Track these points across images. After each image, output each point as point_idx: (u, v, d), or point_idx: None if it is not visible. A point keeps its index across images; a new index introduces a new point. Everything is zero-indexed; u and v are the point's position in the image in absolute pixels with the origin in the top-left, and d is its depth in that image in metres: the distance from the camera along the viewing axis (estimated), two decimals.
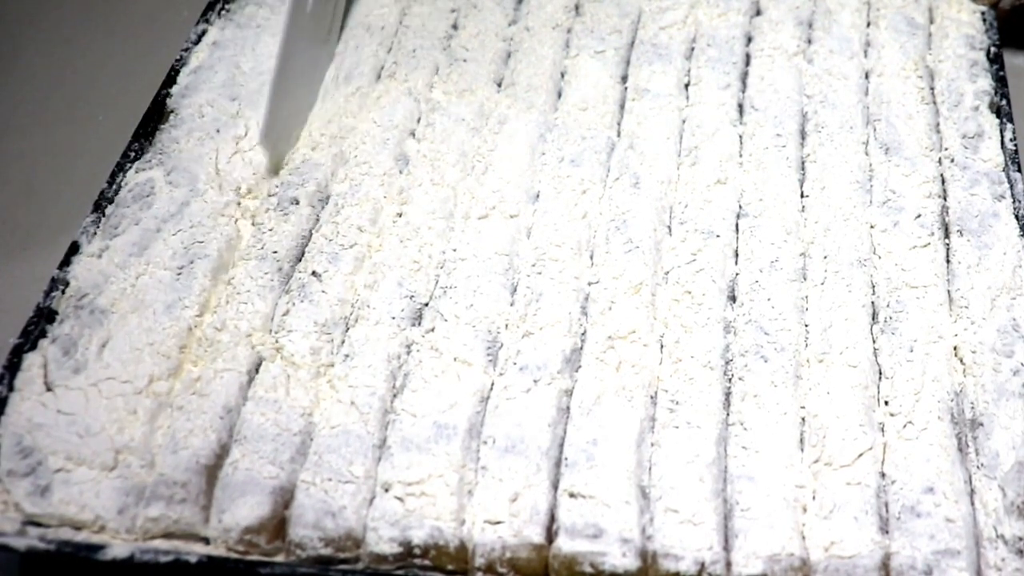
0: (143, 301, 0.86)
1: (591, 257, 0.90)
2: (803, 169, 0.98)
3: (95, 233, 0.91)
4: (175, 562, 0.73)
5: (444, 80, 1.05)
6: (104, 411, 0.79)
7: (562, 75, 1.06)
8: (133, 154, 0.97)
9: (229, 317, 0.85)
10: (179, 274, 0.88)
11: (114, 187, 0.94)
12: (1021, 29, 1.18)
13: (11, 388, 0.80)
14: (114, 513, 0.75)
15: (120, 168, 0.96)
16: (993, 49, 1.09)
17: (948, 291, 0.88)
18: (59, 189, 1.05)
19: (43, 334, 0.83)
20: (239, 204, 0.94)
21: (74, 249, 0.89)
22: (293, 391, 0.81)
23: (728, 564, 0.73)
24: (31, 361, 0.81)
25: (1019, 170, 0.96)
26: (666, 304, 0.87)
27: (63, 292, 0.86)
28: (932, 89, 1.04)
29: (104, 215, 0.92)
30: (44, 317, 0.84)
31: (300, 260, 0.90)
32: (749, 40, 1.09)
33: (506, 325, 0.86)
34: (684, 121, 1.01)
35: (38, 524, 0.75)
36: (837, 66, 1.06)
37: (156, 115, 1.01)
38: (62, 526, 0.75)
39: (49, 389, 0.80)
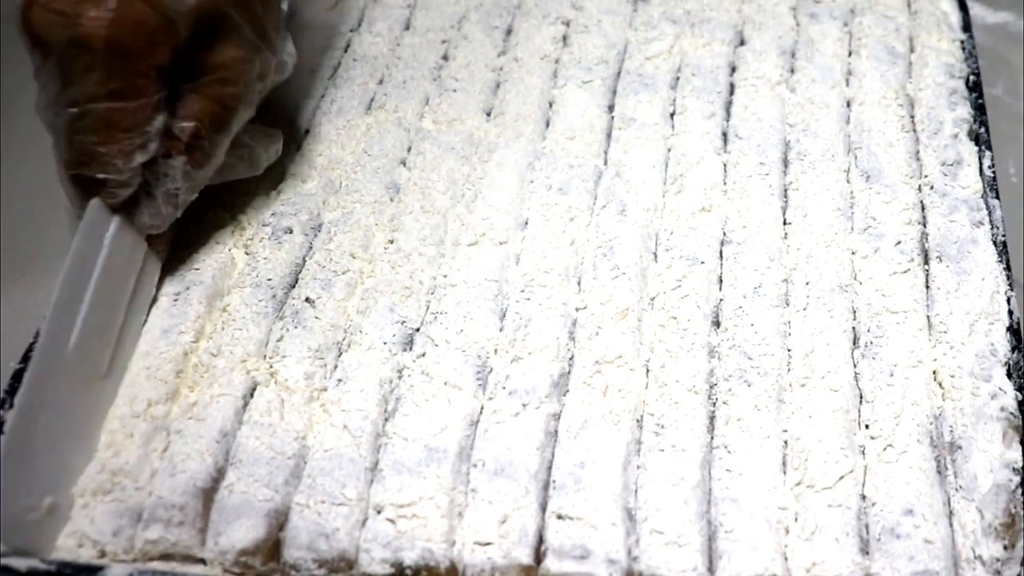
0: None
1: (578, 283, 0.91)
2: (786, 196, 0.98)
3: None
4: None
5: (434, 110, 1.05)
6: (102, 434, 0.81)
7: (550, 105, 1.06)
8: None
9: (224, 343, 0.86)
10: (175, 300, 0.89)
11: None
12: None
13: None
14: (110, 535, 0.76)
15: None
16: (972, 77, 1.09)
17: (927, 316, 0.89)
18: (58, 215, 1.06)
19: None
20: (232, 232, 0.94)
21: None
22: (287, 415, 0.82)
23: None
24: None
25: (997, 197, 0.97)
26: (652, 329, 0.88)
27: None
28: (912, 117, 1.05)
29: None
30: None
31: (294, 287, 0.91)
32: (733, 70, 1.10)
33: (495, 350, 0.86)
34: (669, 150, 1.02)
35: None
36: (819, 95, 1.06)
37: None
38: (60, 548, 0.76)
39: None
